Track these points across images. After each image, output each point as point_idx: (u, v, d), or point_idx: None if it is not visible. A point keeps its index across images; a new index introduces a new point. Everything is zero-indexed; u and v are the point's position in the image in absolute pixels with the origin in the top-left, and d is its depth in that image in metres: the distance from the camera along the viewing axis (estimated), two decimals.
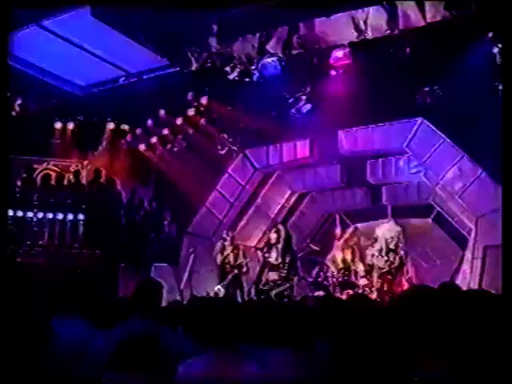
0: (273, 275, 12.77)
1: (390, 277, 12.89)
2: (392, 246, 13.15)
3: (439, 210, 15.07)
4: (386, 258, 13.06)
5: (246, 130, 15.41)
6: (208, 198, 15.49)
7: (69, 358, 4.73)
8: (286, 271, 12.63)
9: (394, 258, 13.08)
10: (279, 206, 15.77)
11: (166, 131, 16.19)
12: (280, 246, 12.90)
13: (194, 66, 13.26)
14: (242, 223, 15.58)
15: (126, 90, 14.58)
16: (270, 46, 12.79)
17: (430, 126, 13.11)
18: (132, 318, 4.98)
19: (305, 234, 16.29)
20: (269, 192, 15.69)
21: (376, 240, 13.39)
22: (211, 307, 4.40)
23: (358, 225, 16.49)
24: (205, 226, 15.34)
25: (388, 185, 15.30)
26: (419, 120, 13.33)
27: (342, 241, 16.22)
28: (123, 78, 14.67)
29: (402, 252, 13.18)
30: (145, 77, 14.46)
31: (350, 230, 16.56)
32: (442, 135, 12.92)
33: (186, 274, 13.89)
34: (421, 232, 16.15)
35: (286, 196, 15.72)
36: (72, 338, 4.92)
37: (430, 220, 15.70)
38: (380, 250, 13.19)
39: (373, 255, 13.26)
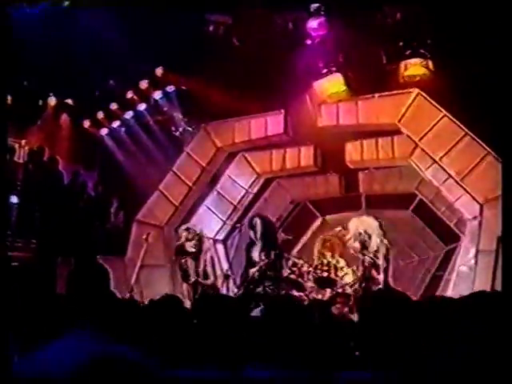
0: (253, 273, 10.93)
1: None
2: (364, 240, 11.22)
3: (423, 198, 13.49)
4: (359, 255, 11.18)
5: (208, 106, 13.50)
6: (162, 180, 13.53)
7: None
8: (266, 269, 10.76)
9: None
10: (243, 193, 13.92)
11: (114, 105, 14.20)
12: (260, 243, 11.08)
13: None
14: (201, 210, 13.72)
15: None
16: None
17: (428, 98, 11.44)
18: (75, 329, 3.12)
19: None
20: (232, 175, 13.83)
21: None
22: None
23: (327, 217, 14.88)
24: (157, 213, 13.40)
25: (366, 171, 13.64)
26: (415, 91, 11.64)
27: (310, 232, 14.59)
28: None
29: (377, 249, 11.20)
30: None
31: (318, 222, 14.96)
32: (442, 110, 11.26)
33: (137, 269, 11.95)
34: (397, 225, 14.68)
35: (251, 180, 13.86)
36: None
37: (409, 212, 14.17)
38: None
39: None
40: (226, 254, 13.93)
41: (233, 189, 13.90)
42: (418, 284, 14.62)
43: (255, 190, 14.02)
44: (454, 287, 11.59)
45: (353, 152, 12.99)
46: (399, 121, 11.61)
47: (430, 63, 12.15)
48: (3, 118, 4.61)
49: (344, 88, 13.01)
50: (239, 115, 13.09)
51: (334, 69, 12.88)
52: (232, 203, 13.90)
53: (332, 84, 13.07)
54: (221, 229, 13.92)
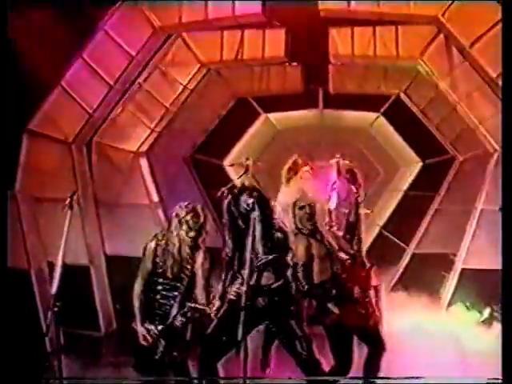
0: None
1: None
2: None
3: (404, 98, 10.59)
4: None
5: None
6: (66, 73, 9.07)
7: None
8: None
9: None
10: (179, 89, 9.98)
11: None
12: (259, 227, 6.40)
13: None
14: (122, 117, 9.62)
15: None
16: None
17: None
18: None
19: (201, 128, 11.01)
20: (163, 65, 9.70)
21: None
22: None
23: (271, 115, 11.56)
24: (60, 121, 9.08)
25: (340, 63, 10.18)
26: None
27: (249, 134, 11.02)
28: None
29: None
30: None
31: (259, 122, 11.61)
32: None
33: (61, 255, 5.70)
34: (358, 131, 11.90)
35: (192, 73, 9.89)
36: None
37: (377, 114, 11.33)
38: None
39: None
40: (151, 173, 10.18)
41: (163, 83, 9.87)
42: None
43: (193, 85, 10.10)
44: None
45: (339, 43, 9.42)
46: (443, 14, 8.02)
47: None
48: None
49: None
50: None
51: None
52: (162, 104, 9.96)
53: None
54: (146, 139, 10.03)
